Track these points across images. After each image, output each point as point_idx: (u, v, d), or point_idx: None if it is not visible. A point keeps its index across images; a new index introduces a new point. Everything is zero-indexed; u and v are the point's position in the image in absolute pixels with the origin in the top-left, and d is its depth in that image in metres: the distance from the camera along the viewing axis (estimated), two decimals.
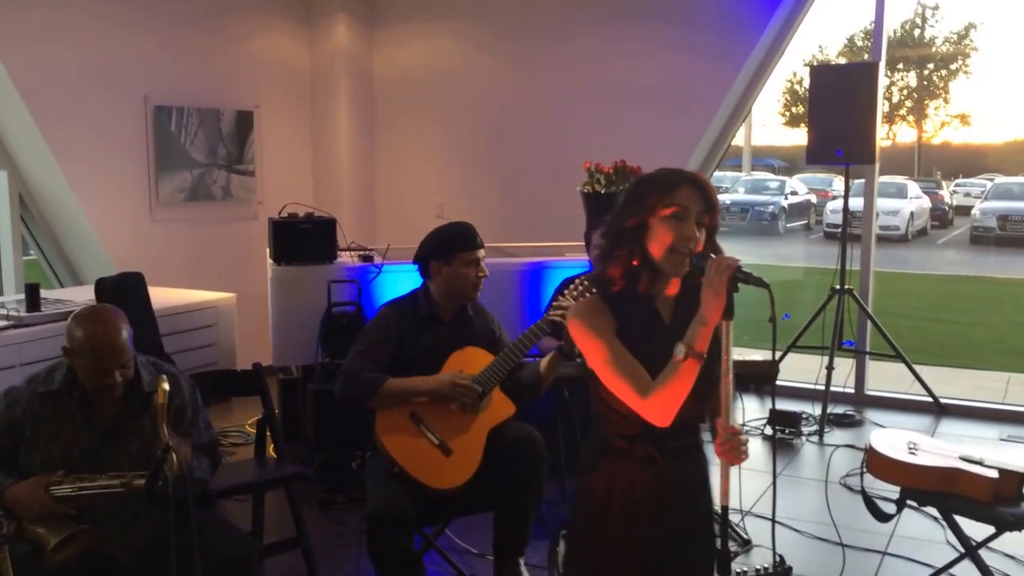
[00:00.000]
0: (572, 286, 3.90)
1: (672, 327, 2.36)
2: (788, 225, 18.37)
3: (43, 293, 5.06)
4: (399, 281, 5.50)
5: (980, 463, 3.72)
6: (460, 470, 3.67)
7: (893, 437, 4.00)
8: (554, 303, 3.86)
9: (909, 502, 3.85)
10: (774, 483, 2.58)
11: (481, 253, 3.91)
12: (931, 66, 20.68)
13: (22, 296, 5.05)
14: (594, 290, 3.79)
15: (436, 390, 3.71)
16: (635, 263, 2.34)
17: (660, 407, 2.25)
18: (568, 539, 2.59)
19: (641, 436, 2.37)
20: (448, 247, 3.87)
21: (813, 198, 19.04)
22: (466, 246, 3.87)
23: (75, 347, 3.01)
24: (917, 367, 6.81)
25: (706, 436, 2.45)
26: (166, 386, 2.80)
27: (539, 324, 3.78)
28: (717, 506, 2.33)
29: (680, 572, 2.45)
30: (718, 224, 2.37)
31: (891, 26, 19.60)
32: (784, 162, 21.29)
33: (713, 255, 2.22)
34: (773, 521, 2.62)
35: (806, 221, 19.00)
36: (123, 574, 3.05)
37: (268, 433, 4.22)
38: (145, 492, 2.80)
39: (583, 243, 5.32)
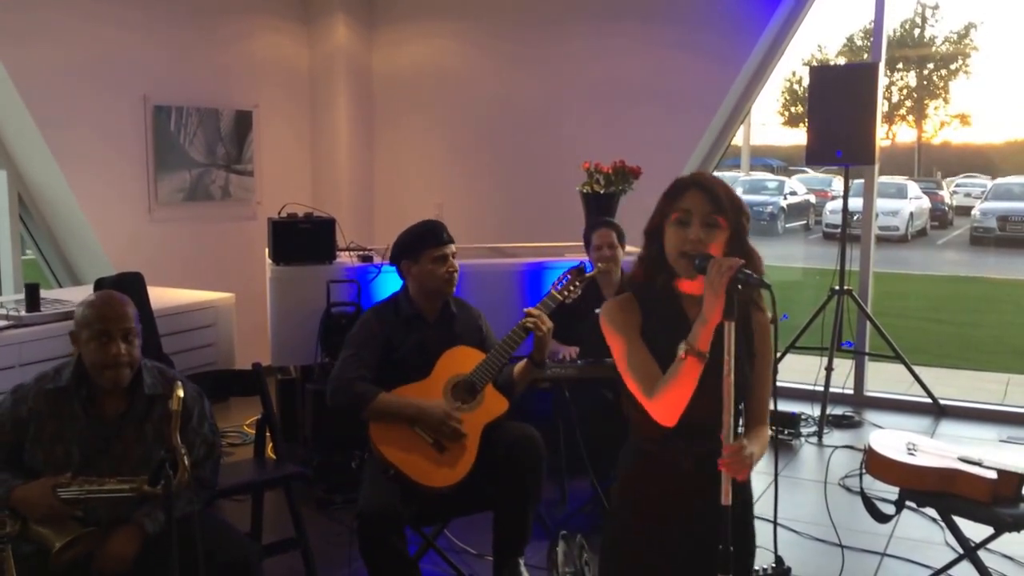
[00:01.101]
0: (557, 280, 3.92)
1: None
2: (787, 225, 18.36)
3: (42, 293, 5.05)
4: (398, 281, 5.49)
5: (979, 464, 3.73)
6: (455, 468, 3.68)
7: (892, 438, 4.00)
8: (528, 309, 3.85)
9: (908, 503, 3.85)
10: (775, 484, 2.58)
11: (450, 249, 3.93)
12: (931, 66, 20.68)
13: (21, 296, 5.04)
14: (577, 284, 3.87)
15: (425, 418, 3.70)
16: (652, 263, 2.42)
17: (664, 406, 2.29)
18: (602, 540, 2.62)
19: (667, 439, 2.39)
20: (415, 246, 3.92)
21: (812, 198, 19.04)
22: (432, 243, 3.90)
23: (80, 321, 3.06)
24: (916, 368, 6.80)
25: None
26: (181, 392, 2.81)
27: (522, 324, 3.79)
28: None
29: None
30: (743, 224, 2.38)
31: (891, 26, 19.58)
32: (783, 162, 21.29)
33: (713, 256, 2.24)
34: (775, 523, 2.63)
35: (805, 221, 19.00)
36: None
37: (267, 433, 4.22)
38: (148, 488, 2.81)
39: (582, 243, 5.32)
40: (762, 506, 4.82)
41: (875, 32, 6.98)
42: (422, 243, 3.91)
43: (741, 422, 2.47)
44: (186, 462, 2.71)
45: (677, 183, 2.40)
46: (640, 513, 2.47)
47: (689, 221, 2.33)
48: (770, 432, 2.56)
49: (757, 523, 4.69)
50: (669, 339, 2.33)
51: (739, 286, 2.17)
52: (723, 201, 2.34)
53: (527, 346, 3.85)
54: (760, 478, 2.62)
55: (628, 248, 5.13)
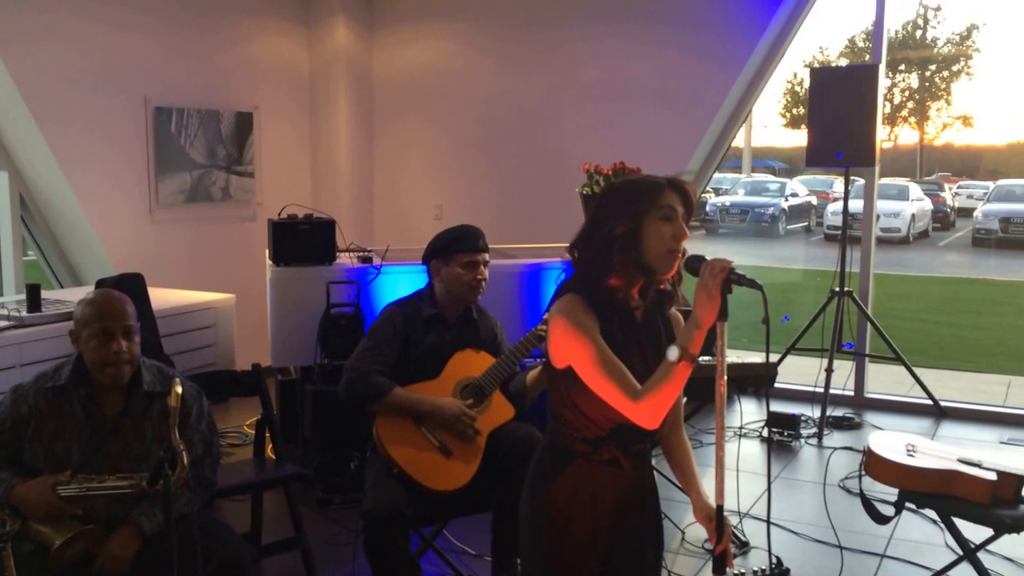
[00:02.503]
0: None
1: (642, 326, 2.41)
2: (788, 227, 18.35)
3: (43, 294, 5.06)
4: (398, 282, 5.50)
5: (978, 465, 3.72)
6: (460, 472, 3.67)
7: (891, 439, 3.99)
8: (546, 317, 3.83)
9: (908, 504, 3.85)
10: (768, 486, 2.60)
11: (482, 257, 3.90)
12: (933, 67, 20.66)
13: (23, 296, 5.05)
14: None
15: (440, 414, 3.69)
16: (631, 269, 2.35)
17: (651, 410, 2.25)
18: (529, 549, 2.52)
19: (607, 439, 2.38)
20: (448, 247, 3.89)
21: (814, 200, 19.03)
22: (465, 248, 3.87)
23: (80, 319, 3.08)
24: (917, 370, 6.80)
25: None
26: (179, 389, 2.82)
27: (535, 331, 3.78)
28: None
29: (638, 573, 2.49)
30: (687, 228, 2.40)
31: (893, 27, 19.61)
32: (785, 164, 21.29)
33: (706, 259, 2.24)
34: (768, 523, 2.63)
35: (806, 223, 18.99)
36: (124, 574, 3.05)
37: (267, 434, 4.23)
38: (148, 487, 2.81)
39: None
40: (761, 507, 4.84)
41: (875, 34, 6.97)
42: (456, 246, 3.88)
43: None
44: (185, 460, 2.72)
45: (652, 183, 2.35)
46: (575, 515, 2.41)
47: (674, 217, 2.32)
48: (755, 437, 2.61)
49: (755, 524, 4.70)
50: (625, 344, 2.35)
51: (731, 287, 2.17)
52: (692, 201, 2.37)
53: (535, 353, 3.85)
54: (757, 479, 2.63)
55: None
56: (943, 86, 20.95)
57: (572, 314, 2.33)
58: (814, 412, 6.50)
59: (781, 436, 6.23)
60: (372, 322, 4.01)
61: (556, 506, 2.42)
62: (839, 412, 6.71)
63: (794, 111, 19.60)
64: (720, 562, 2.26)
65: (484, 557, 4.19)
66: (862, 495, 3.99)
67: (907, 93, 20.51)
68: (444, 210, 7.70)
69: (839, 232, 6.78)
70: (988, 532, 3.69)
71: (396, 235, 7.03)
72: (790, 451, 6.07)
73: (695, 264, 2.23)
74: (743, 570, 3.52)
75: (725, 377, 2.17)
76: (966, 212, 18.38)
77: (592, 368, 2.29)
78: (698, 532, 4.55)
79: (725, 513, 2.32)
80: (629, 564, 2.46)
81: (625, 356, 2.31)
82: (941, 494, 3.69)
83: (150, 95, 6.81)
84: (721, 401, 2.18)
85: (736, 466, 4.79)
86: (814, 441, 6.23)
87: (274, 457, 4.37)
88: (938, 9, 20.10)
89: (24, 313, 4.82)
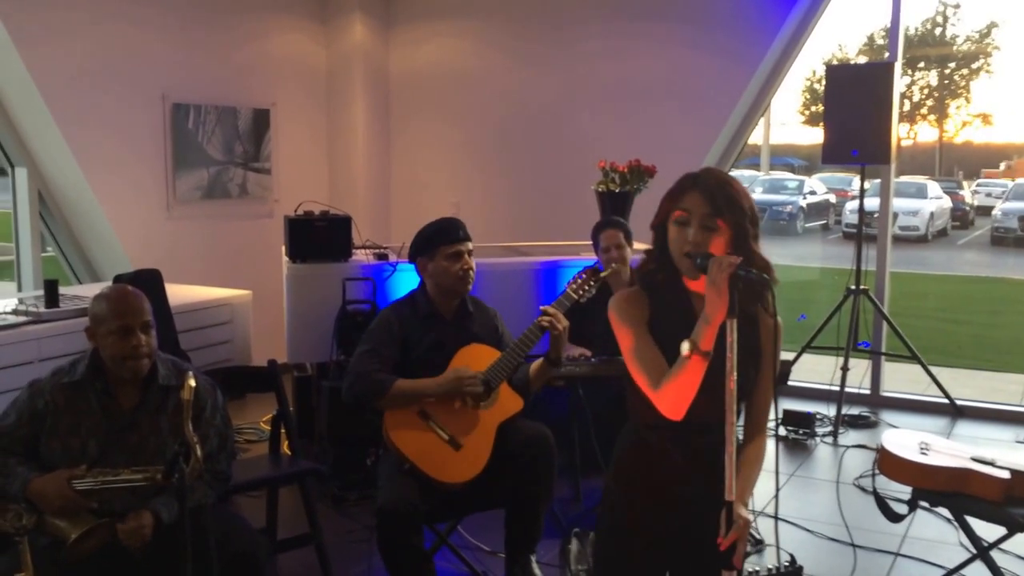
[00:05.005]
0: (572, 280, 3.90)
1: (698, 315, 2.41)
2: (806, 225, 18.30)
3: (61, 289, 5.09)
4: (414, 280, 5.50)
5: (992, 464, 3.71)
6: (470, 464, 3.69)
7: (905, 437, 3.99)
8: (543, 307, 3.84)
9: (921, 503, 3.84)
10: (777, 485, 2.63)
11: (465, 246, 3.91)
12: (952, 65, 20.58)
13: (41, 292, 5.09)
14: (592, 283, 3.86)
15: (444, 390, 3.72)
16: (658, 258, 2.45)
17: (670, 400, 2.31)
18: (597, 520, 2.68)
19: (664, 429, 2.41)
20: (430, 242, 3.91)
21: (832, 198, 18.97)
22: (446, 240, 3.89)
23: (97, 316, 3.10)
24: (934, 368, 6.78)
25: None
26: (192, 382, 2.84)
27: (538, 322, 3.78)
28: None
29: (695, 567, 2.48)
30: (744, 226, 2.35)
31: (912, 25, 19.55)
32: (803, 161, 21.23)
33: (715, 255, 2.25)
34: (776, 519, 2.64)
35: (825, 221, 18.93)
36: (138, 567, 3.08)
37: (283, 430, 4.25)
38: (163, 480, 2.84)
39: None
40: (772, 506, 4.83)
41: (891, 32, 6.95)
42: (437, 240, 3.90)
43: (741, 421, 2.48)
44: (198, 452, 2.74)
45: (681, 182, 2.41)
46: (631, 497, 2.51)
47: (688, 222, 2.34)
48: (769, 435, 2.58)
49: (770, 522, 4.69)
50: (677, 334, 2.34)
51: (740, 283, 2.18)
52: (721, 203, 2.32)
53: (543, 345, 3.86)
54: (771, 477, 2.63)
55: (636, 245, 5.14)
56: (962, 84, 20.87)
57: (617, 305, 2.47)
58: (830, 410, 6.49)
59: (797, 434, 6.22)
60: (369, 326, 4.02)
61: (616, 484, 2.55)
62: (855, 411, 6.69)
63: (813, 108, 19.54)
64: (726, 558, 2.26)
65: (497, 553, 4.20)
66: (875, 493, 3.99)
67: (926, 91, 20.44)
68: (461, 207, 7.71)
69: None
70: (1001, 531, 3.68)
71: (412, 232, 6.94)
72: (805, 449, 6.06)
73: (704, 261, 2.24)
74: (757, 568, 3.52)
75: (735, 374, 2.18)
76: (985, 210, 18.30)
77: (628, 355, 2.42)
78: None
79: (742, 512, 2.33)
80: (686, 553, 2.46)
81: (676, 349, 2.31)
82: (954, 492, 3.68)
83: (168, 92, 6.85)
84: (731, 398, 2.18)
85: None
86: (830, 439, 6.21)
87: (290, 453, 4.39)
88: (957, 6, 20.03)
89: (42, 309, 4.85)
